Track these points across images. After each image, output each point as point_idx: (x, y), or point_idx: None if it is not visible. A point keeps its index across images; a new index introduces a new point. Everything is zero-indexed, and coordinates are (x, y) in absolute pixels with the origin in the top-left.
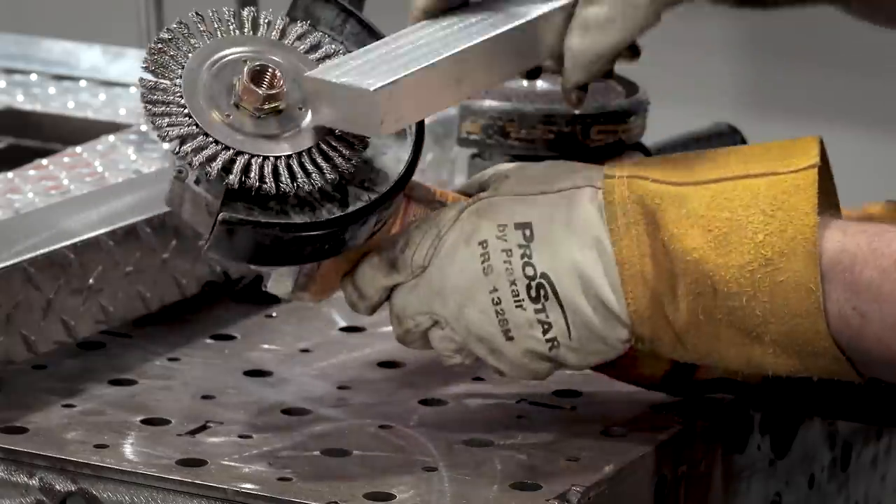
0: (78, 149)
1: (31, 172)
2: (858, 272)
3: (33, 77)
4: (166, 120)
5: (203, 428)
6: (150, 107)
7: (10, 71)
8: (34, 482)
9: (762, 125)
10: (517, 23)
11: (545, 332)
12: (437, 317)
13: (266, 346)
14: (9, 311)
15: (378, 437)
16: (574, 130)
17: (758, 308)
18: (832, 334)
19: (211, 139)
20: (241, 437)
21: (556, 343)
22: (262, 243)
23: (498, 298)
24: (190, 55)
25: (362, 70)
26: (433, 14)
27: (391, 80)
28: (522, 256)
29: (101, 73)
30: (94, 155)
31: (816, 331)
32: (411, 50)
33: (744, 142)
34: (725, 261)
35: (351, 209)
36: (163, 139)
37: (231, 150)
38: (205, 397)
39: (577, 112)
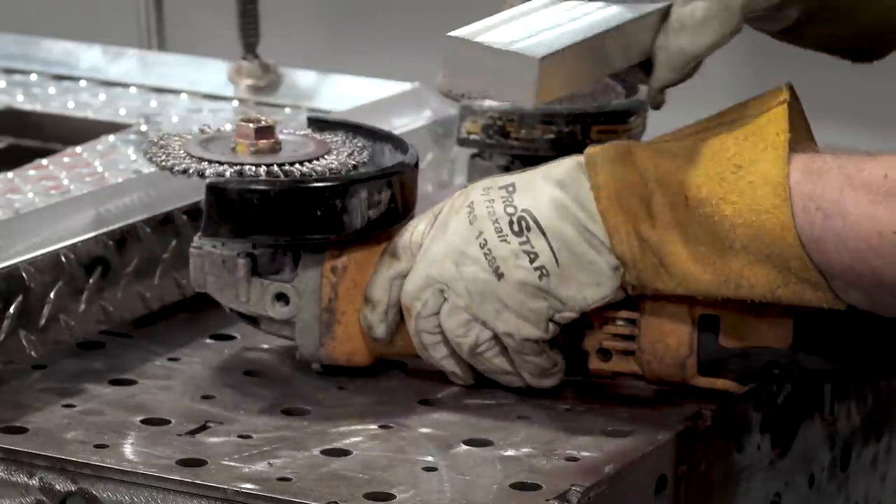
0: (78, 149)
1: (31, 172)
2: (824, 177)
3: (33, 77)
4: (170, 162)
5: (203, 428)
6: (155, 160)
7: (10, 71)
8: (34, 482)
9: None
10: (635, 15)
11: (532, 260)
12: (440, 284)
13: (266, 346)
14: (9, 312)
15: (378, 437)
16: (574, 130)
17: (727, 209)
18: (797, 231)
19: (207, 162)
20: (241, 437)
21: (544, 272)
22: (250, 202)
23: (484, 240)
24: (187, 137)
25: (512, 37)
26: None
27: (554, 49)
28: (504, 202)
29: (101, 73)
30: (94, 155)
31: (782, 226)
32: (553, 25)
33: None
34: (697, 171)
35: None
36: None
37: (227, 164)
38: (205, 397)
39: (577, 111)
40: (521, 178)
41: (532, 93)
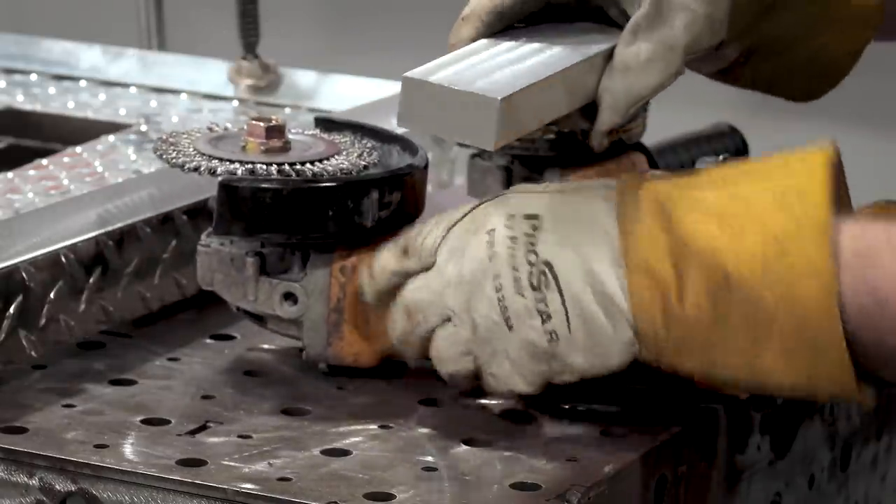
0: (78, 149)
1: (31, 172)
2: (877, 259)
3: (33, 77)
4: (181, 159)
5: (203, 428)
6: (165, 157)
7: (10, 71)
8: (34, 482)
9: (762, 125)
10: (580, 57)
11: (544, 321)
12: (448, 311)
13: (266, 346)
14: (9, 312)
15: (378, 437)
16: (574, 131)
17: (769, 296)
18: (844, 322)
19: (217, 160)
20: (241, 437)
21: (554, 336)
22: (262, 200)
23: (500, 285)
24: (196, 134)
25: (468, 77)
26: (489, 30)
27: (513, 90)
28: (527, 244)
29: (101, 73)
30: (94, 155)
31: (829, 316)
32: (506, 65)
33: (744, 142)
34: (739, 246)
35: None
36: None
37: (238, 162)
38: (205, 397)
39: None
40: (548, 209)
41: (493, 134)
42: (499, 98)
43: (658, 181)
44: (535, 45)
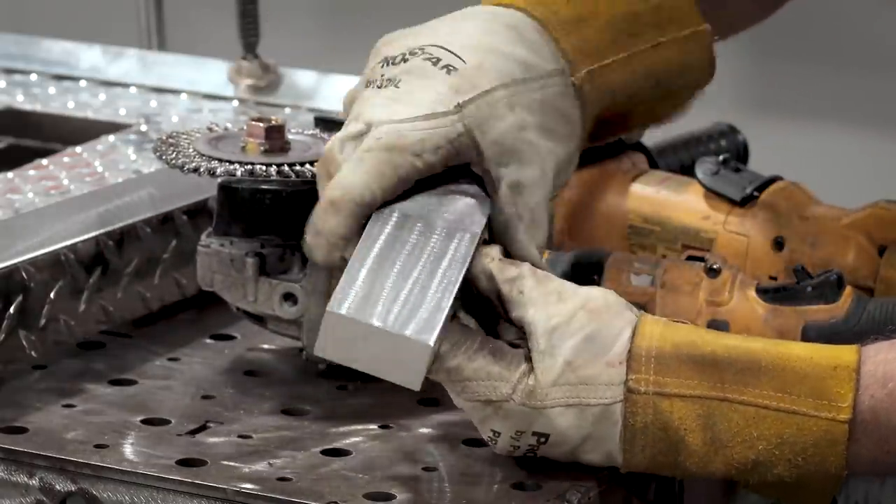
0: (78, 149)
1: (31, 172)
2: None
3: (33, 77)
4: (181, 160)
5: (203, 428)
6: (165, 157)
7: (10, 71)
8: (34, 482)
9: (762, 125)
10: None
11: None
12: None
13: (266, 346)
14: (9, 312)
15: (378, 437)
16: None
17: (775, 482)
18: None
19: (217, 161)
20: (241, 437)
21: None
22: (261, 201)
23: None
24: (196, 135)
25: (391, 311)
26: (358, 222)
27: (437, 327)
28: (530, 445)
29: (101, 73)
30: (94, 155)
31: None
32: (415, 283)
33: (744, 142)
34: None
35: None
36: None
37: (238, 163)
38: (205, 397)
39: None
40: (558, 432)
41: (420, 375)
42: (430, 344)
43: (667, 390)
44: (429, 240)
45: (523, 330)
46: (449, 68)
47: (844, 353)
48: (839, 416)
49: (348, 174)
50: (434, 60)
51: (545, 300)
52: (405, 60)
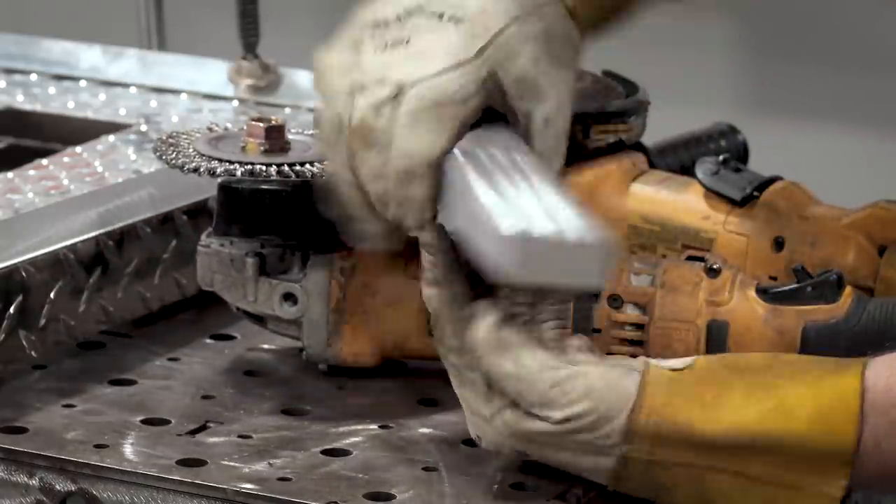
0: (78, 149)
1: (31, 172)
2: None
3: (33, 77)
4: (181, 160)
5: (203, 428)
6: (165, 157)
7: (10, 71)
8: (34, 482)
9: (762, 125)
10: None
11: None
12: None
13: (266, 346)
14: (9, 312)
15: (378, 437)
16: (574, 130)
17: None
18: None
19: (217, 161)
20: (241, 437)
21: None
22: (261, 202)
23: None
24: (196, 135)
25: (535, 215)
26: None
27: (599, 227)
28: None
29: (101, 73)
30: (94, 155)
31: None
32: (540, 188)
33: (744, 142)
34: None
35: None
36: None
37: (238, 163)
38: (205, 397)
39: (578, 111)
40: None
41: (599, 275)
42: (604, 243)
43: (662, 456)
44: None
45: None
46: (454, 19)
47: (843, 426)
48: (834, 494)
49: (409, 139)
50: (438, 15)
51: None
52: (405, 20)
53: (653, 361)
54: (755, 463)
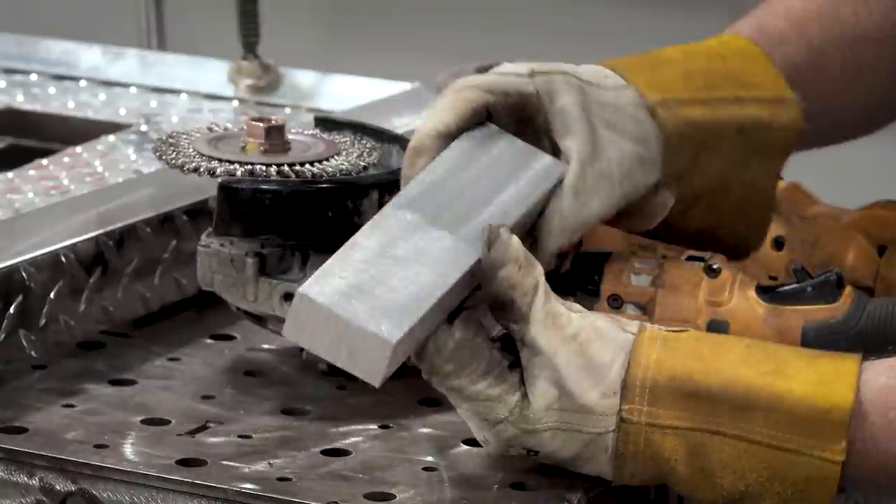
0: (78, 149)
1: (31, 172)
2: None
3: (33, 77)
4: (181, 160)
5: (203, 428)
6: (165, 157)
7: (10, 71)
8: (34, 482)
9: None
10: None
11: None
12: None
13: (267, 346)
14: (9, 312)
15: (378, 437)
16: None
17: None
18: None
19: (217, 161)
20: (241, 437)
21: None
22: (261, 202)
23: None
24: (196, 135)
25: (363, 302)
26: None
27: (408, 325)
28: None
29: (101, 73)
30: (94, 155)
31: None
32: (407, 280)
33: None
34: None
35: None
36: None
37: (238, 163)
38: (205, 397)
39: None
40: (546, 451)
41: (381, 374)
42: (393, 342)
43: (660, 422)
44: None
45: (518, 339)
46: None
47: (840, 391)
48: (833, 458)
49: (426, 118)
50: None
51: (545, 322)
52: None
53: (648, 325)
54: (755, 423)
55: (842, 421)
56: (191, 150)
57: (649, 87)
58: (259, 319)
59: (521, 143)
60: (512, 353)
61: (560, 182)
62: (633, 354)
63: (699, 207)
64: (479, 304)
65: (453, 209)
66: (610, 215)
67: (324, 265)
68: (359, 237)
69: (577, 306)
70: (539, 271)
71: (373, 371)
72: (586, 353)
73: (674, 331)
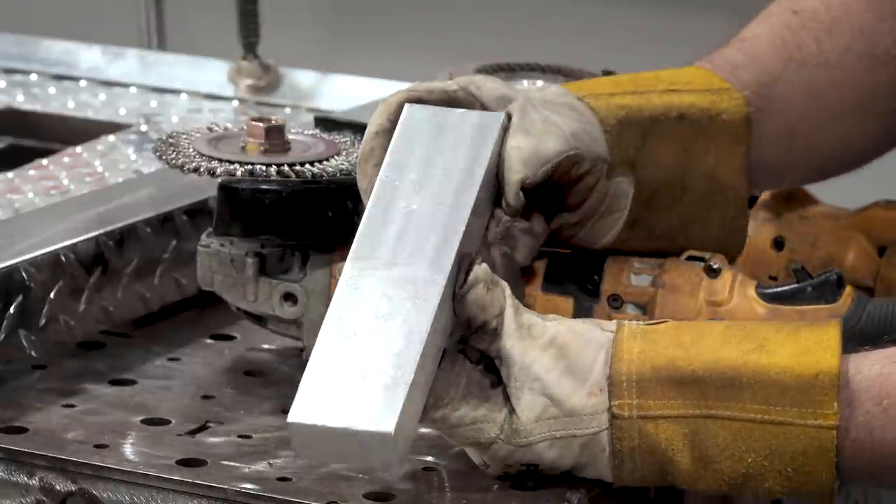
0: (78, 149)
1: (31, 172)
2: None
3: (33, 77)
4: (181, 160)
5: (203, 428)
6: (165, 157)
7: (10, 71)
8: (34, 482)
9: None
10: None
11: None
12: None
13: (266, 346)
14: (9, 312)
15: None
16: None
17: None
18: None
19: (217, 161)
20: (241, 437)
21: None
22: (261, 202)
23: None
24: (196, 135)
25: (348, 399)
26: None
27: (398, 410)
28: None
29: (101, 73)
30: (94, 155)
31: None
32: (385, 350)
33: None
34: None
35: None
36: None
37: (238, 163)
38: (205, 397)
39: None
40: (546, 462)
41: (395, 462)
42: (392, 431)
43: (652, 412)
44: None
45: (495, 357)
46: None
47: (825, 358)
48: (826, 423)
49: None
50: None
51: (519, 333)
52: None
53: (626, 322)
54: (744, 401)
55: (830, 384)
56: (191, 150)
57: (574, 89)
58: (259, 319)
59: (448, 111)
60: (495, 374)
61: (506, 129)
62: (615, 350)
63: (662, 199)
64: (453, 332)
65: (404, 241)
66: (568, 159)
67: (304, 376)
68: (326, 323)
69: (553, 315)
70: (504, 287)
71: (389, 461)
72: (566, 356)
73: (652, 323)
